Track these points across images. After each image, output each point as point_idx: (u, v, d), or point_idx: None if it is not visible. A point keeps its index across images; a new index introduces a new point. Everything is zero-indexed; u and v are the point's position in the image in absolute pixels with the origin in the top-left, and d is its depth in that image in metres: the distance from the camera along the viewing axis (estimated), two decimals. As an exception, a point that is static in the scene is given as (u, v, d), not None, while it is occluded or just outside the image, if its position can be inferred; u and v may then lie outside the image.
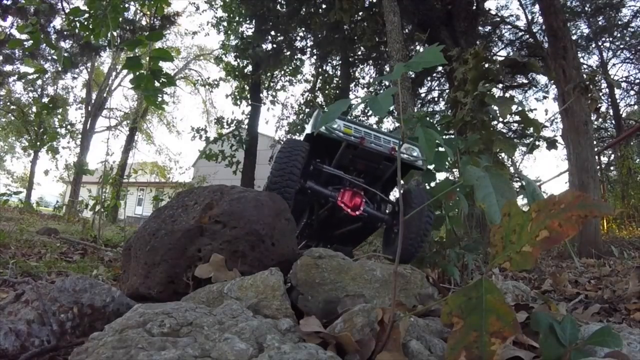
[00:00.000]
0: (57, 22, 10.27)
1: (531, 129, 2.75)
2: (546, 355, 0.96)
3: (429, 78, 11.75)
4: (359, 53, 11.31)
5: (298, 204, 2.30)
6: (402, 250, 1.95)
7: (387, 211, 2.54)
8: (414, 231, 2.10)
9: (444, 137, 2.48)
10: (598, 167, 7.39)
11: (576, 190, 0.81)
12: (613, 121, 13.09)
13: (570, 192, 0.80)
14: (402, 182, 2.45)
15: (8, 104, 15.75)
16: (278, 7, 9.67)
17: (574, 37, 10.61)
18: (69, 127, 16.16)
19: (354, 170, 2.41)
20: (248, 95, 10.78)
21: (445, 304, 0.85)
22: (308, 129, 2.34)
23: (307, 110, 11.39)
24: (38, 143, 14.12)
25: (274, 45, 10.10)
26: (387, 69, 10.19)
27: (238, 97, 10.90)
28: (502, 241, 0.87)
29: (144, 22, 10.97)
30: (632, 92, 13.07)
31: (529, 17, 11.20)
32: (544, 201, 0.83)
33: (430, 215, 2.20)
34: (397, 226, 2.29)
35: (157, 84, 2.57)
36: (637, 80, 12.77)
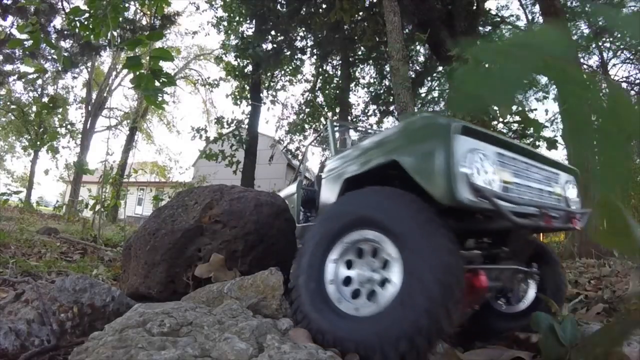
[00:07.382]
0: (57, 22, 10.28)
1: (531, 129, 2.75)
2: (546, 355, 0.96)
3: (429, 78, 11.74)
4: (359, 53, 11.31)
5: None
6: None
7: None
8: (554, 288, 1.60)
9: None
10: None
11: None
12: (613, 121, 13.07)
13: None
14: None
15: (8, 103, 15.75)
16: (278, 7, 9.66)
17: (574, 37, 10.60)
18: (69, 126, 16.20)
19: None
20: (248, 95, 10.76)
21: None
22: (433, 186, 1.19)
23: (307, 110, 11.37)
24: (38, 143, 14.12)
25: (274, 45, 10.09)
26: (387, 69, 10.16)
27: (238, 97, 10.90)
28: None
29: (144, 22, 10.97)
30: (632, 92, 13.07)
31: (529, 17, 11.21)
32: None
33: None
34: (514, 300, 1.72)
35: (157, 83, 2.56)
36: (637, 81, 12.78)
